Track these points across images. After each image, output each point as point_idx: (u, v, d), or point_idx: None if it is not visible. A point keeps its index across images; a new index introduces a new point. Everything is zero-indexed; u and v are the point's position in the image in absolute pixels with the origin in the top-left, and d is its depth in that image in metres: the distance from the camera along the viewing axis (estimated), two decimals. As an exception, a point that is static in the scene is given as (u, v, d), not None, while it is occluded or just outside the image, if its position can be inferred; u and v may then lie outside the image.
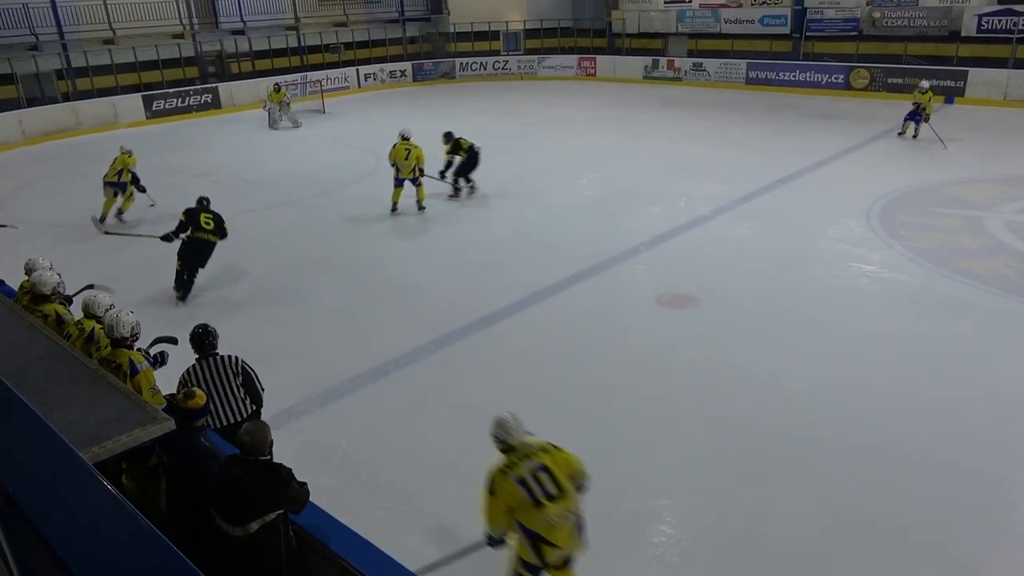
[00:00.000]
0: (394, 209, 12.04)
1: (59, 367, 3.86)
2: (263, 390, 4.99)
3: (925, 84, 15.75)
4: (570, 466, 3.68)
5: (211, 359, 4.86)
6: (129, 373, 4.55)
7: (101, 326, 5.05)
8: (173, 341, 5.51)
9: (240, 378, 4.84)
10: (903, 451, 5.63)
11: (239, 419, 4.76)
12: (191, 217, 8.78)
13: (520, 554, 3.68)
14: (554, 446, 3.72)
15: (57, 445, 1.77)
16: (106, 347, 4.77)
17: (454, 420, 6.26)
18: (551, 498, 3.53)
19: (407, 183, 11.91)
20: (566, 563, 3.71)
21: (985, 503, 5.11)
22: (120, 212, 12.02)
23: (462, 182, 12.90)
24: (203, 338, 4.91)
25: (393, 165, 11.83)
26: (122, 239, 10.84)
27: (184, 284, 8.84)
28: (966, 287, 8.58)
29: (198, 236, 8.72)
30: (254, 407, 4.95)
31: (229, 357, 4.89)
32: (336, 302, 8.83)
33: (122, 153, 11.67)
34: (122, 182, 11.66)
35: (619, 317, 8.14)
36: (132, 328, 4.79)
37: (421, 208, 12.07)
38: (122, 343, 4.73)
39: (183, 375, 4.82)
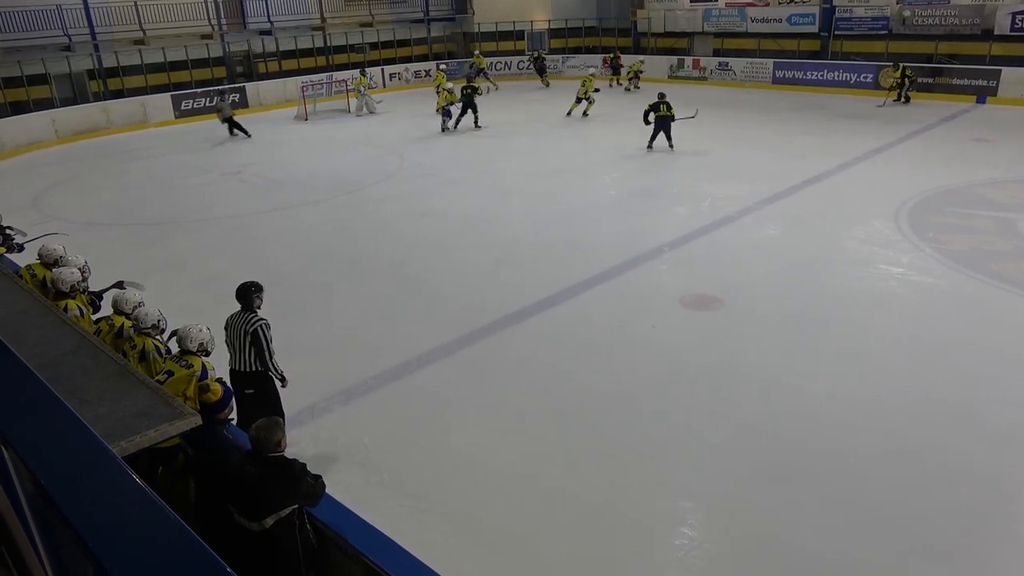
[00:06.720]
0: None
1: (88, 362, 3.94)
2: (271, 356, 5.49)
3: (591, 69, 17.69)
4: None
5: (241, 313, 5.50)
6: (199, 376, 4.53)
7: (130, 322, 5.19)
8: (119, 285, 6.11)
9: (249, 338, 5.41)
10: (929, 456, 5.55)
11: (244, 369, 5.47)
12: None
13: None
14: None
15: (88, 438, 1.80)
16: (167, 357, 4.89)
17: (476, 418, 6.28)
18: None
19: None
20: None
21: (1013, 510, 5.01)
22: None
23: None
24: (245, 290, 5.52)
25: None
26: (152, 234, 11.00)
27: None
28: (998, 290, 8.41)
29: None
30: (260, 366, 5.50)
31: (251, 316, 5.44)
32: (359, 301, 8.89)
33: None
34: None
35: (642, 317, 8.10)
36: (157, 321, 5.12)
37: None
38: (147, 333, 5.07)
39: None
